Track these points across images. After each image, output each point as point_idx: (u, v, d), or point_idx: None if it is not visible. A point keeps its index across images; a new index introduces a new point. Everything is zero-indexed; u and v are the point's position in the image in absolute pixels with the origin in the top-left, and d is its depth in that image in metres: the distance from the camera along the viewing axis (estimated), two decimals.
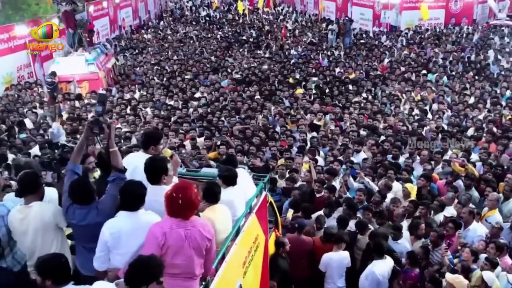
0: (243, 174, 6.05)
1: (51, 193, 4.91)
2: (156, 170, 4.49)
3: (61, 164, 4.58)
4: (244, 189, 5.87)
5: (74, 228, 4.47)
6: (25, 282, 4.31)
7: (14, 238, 4.55)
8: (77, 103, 15.56)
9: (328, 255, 7.40)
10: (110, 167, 4.47)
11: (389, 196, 9.05)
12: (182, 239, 4.05)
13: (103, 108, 4.59)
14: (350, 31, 25.29)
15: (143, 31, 31.66)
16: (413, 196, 8.92)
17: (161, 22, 35.40)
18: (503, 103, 14.03)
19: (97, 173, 5.41)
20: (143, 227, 4.15)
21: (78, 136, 12.00)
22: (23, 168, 5.00)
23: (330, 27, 25.91)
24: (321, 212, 8.47)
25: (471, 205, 8.66)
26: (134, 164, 4.75)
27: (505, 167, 10.05)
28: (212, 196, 4.96)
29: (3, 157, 11.11)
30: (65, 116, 14.19)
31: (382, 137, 11.87)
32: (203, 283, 4.49)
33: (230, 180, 5.49)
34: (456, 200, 8.92)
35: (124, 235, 4.12)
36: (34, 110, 14.84)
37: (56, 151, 4.77)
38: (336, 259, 7.40)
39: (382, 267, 6.94)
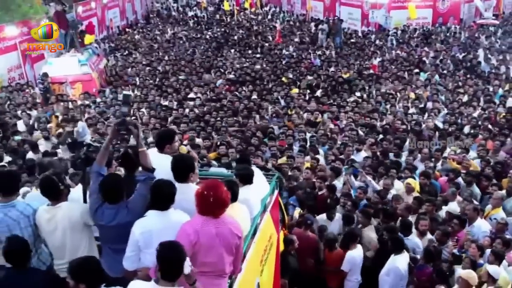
0: (257, 173, 6.07)
1: (71, 192, 4.87)
2: (184, 168, 4.50)
3: (86, 164, 4.56)
4: (259, 187, 5.88)
5: (102, 230, 4.44)
6: (54, 281, 4.28)
7: (42, 236, 4.53)
8: (70, 105, 15.47)
9: (351, 254, 7.44)
10: (135, 167, 4.46)
11: (392, 192, 9.15)
12: (213, 237, 4.07)
13: (128, 108, 4.58)
14: (341, 30, 25.44)
15: (130, 30, 31.52)
16: (417, 191, 9.02)
17: (150, 22, 35.25)
18: (497, 101, 14.24)
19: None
20: (174, 226, 4.15)
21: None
22: (47, 169, 4.96)
23: (320, 26, 26.03)
24: (323, 216, 8.49)
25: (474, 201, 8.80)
26: (155, 164, 4.73)
27: (505, 164, 10.18)
28: (232, 194, 4.95)
29: None
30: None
31: (380, 136, 11.97)
32: (228, 281, 4.51)
33: (247, 178, 5.49)
34: (458, 197, 9.04)
35: (155, 234, 4.10)
36: (27, 112, 14.71)
37: (81, 150, 4.72)
38: (359, 256, 7.50)
39: (403, 261, 7.00)
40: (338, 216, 8.44)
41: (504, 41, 23.41)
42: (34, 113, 14.83)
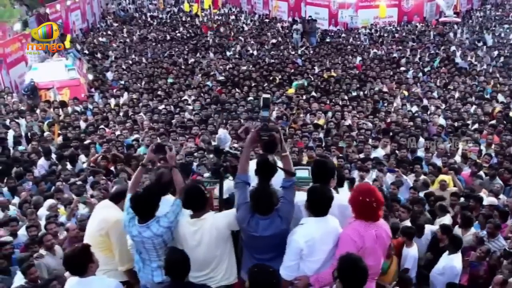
0: None
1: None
2: (326, 173, 4.46)
3: (226, 172, 4.47)
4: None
5: (251, 239, 4.34)
6: None
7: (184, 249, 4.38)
8: (60, 111, 14.92)
9: (415, 252, 7.44)
10: (272, 174, 4.37)
11: None
12: (374, 240, 4.12)
13: (269, 113, 4.49)
14: (315, 30, 25.71)
15: (91, 32, 30.77)
16: (451, 187, 9.29)
17: (111, 25, 34.43)
18: (487, 97, 14.82)
19: None
20: (332, 232, 4.16)
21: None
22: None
23: (295, 26, 26.22)
24: None
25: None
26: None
27: None
28: None
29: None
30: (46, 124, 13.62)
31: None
32: None
33: (340, 181, 5.49)
34: (483, 189, 9.38)
35: (318, 242, 4.09)
36: (16, 120, 14.06)
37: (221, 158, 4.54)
38: (417, 253, 7.49)
39: (459, 260, 7.11)
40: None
41: (470, 38, 24.42)
42: (23, 121, 14.22)
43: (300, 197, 4.37)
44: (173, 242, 4.47)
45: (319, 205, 4.17)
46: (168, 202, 4.50)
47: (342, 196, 4.45)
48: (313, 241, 4.09)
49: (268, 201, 4.20)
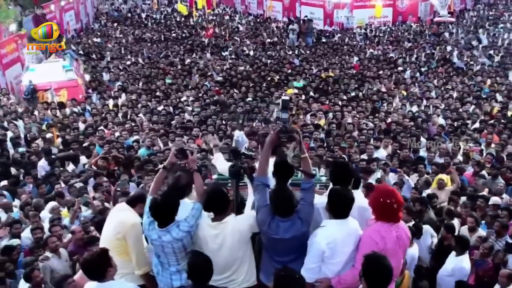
0: None
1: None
2: (346, 175, 4.45)
3: (244, 174, 4.47)
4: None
5: (271, 242, 4.31)
6: None
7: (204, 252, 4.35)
8: (58, 112, 14.83)
9: (414, 252, 7.37)
10: (290, 176, 4.37)
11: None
12: (395, 241, 4.12)
13: (288, 114, 4.48)
14: (312, 30, 25.71)
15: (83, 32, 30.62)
16: (449, 186, 9.32)
17: (106, 25, 34.25)
18: (484, 96, 14.89)
19: None
20: (353, 234, 4.16)
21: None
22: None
23: (291, 26, 26.24)
24: None
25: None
26: None
27: None
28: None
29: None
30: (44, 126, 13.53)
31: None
32: None
33: (357, 184, 5.50)
34: (486, 189, 9.42)
35: (339, 244, 4.09)
36: (14, 122, 13.94)
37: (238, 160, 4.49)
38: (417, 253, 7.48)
39: (467, 261, 7.11)
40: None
41: (465, 38, 24.53)
42: (21, 123, 14.11)
43: (320, 199, 4.36)
44: (193, 246, 4.45)
45: (340, 207, 4.16)
46: (185, 205, 4.47)
47: (361, 198, 4.44)
48: (334, 243, 4.08)
49: (288, 203, 4.19)
